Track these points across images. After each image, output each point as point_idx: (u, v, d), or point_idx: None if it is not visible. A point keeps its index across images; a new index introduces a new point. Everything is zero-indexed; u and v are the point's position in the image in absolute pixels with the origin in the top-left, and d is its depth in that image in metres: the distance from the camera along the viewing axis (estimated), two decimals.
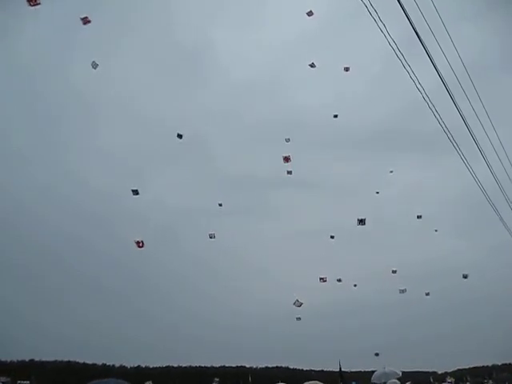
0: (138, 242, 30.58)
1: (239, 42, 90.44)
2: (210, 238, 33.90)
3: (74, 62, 65.45)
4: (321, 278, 35.11)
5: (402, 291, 35.22)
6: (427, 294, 37.86)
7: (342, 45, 69.76)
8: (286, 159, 31.56)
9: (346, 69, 31.95)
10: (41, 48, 71.38)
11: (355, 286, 40.08)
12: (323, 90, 70.47)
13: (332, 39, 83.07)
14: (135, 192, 31.75)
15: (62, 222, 63.82)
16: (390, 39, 9.61)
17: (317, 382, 29.69)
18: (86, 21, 24.41)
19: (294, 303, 32.35)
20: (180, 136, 32.16)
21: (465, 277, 35.39)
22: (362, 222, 31.44)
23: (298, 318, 33.12)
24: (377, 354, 37.91)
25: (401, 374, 27.73)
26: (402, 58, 10.15)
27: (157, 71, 71.47)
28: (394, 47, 9.92)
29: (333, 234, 36.98)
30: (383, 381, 26.16)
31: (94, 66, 26.36)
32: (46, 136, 71.42)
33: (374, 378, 27.53)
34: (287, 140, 33.24)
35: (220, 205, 36.84)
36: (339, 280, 36.74)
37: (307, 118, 74.36)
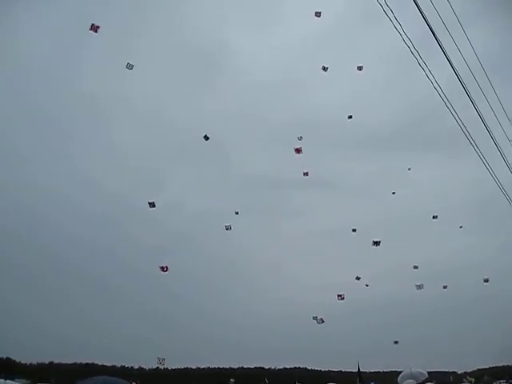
0: (162, 268, 30.89)
1: (255, 43, 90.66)
2: (226, 229, 34.15)
3: (88, 65, 66.15)
4: (357, 278, 35.35)
5: (419, 287, 34.94)
6: (445, 287, 37.66)
7: (356, 44, 69.73)
8: (298, 150, 31.58)
9: (359, 68, 32.00)
10: (51, 51, 71.45)
11: (367, 285, 40.03)
12: (338, 90, 70.51)
13: (346, 39, 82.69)
14: (152, 204, 31.87)
15: (77, 227, 64.18)
16: (405, 38, 9.60)
17: None
18: (94, 28, 24.60)
19: (316, 319, 32.30)
20: (207, 138, 32.38)
21: (486, 281, 35.18)
22: (377, 243, 31.58)
23: (321, 320, 32.92)
24: (396, 342, 37.75)
25: (427, 374, 27.85)
26: (417, 56, 10.13)
27: (172, 72, 71.52)
28: (410, 45, 9.90)
29: (354, 228, 37.34)
30: (410, 382, 26.18)
31: (130, 66, 26.42)
32: (58, 140, 71.84)
33: (400, 379, 27.59)
34: (299, 138, 33.28)
35: (237, 213, 36.98)
36: (358, 278, 36.72)
37: (323, 118, 74.13)
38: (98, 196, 71.40)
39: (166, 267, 30.83)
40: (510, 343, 50.11)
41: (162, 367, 29.68)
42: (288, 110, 66.04)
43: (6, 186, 62.17)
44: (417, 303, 46.03)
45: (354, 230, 37.49)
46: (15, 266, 59.60)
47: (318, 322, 32.02)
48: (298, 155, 31.80)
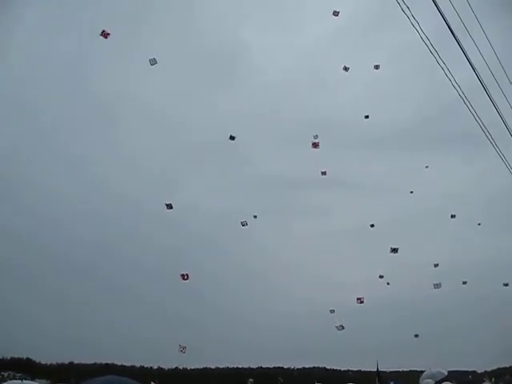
0: (183, 275, 30.99)
1: (271, 43, 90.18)
2: (242, 225, 34.32)
3: (99, 64, 66.32)
4: (380, 276, 35.36)
5: (437, 286, 34.84)
6: (464, 283, 37.54)
7: (372, 43, 69.45)
8: (315, 145, 31.55)
9: (376, 66, 31.99)
10: (59, 49, 71.54)
11: (388, 284, 40.00)
12: (355, 89, 70.00)
13: (362, 38, 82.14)
14: (169, 206, 32.08)
15: (90, 231, 64.52)
16: (423, 36, 9.58)
17: None
18: (105, 34, 24.74)
19: (336, 326, 32.31)
20: (232, 138, 32.55)
21: (505, 285, 35.00)
22: (395, 250, 31.55)
23: (341, 327, 32.90)
24: (416, 336, 37.70)
25: (446, 373, 28.56)
26: (436, 55, 10.10)
27: (187, 72, 71.60)
28: (428, 44, 9.87)
29: (372, 223, 37.37)
30: (431, 381, 26.93)
31: (153, 62, 26.32)
32: (68, 145, 72.01)
33: (421, 379, 28.53)
34: (315, 137, 33.20)
35: (255, 216, 37.20)
36: (381, 276, 36.73)
37: (339, 117, 73.78)
38: (109, 197, 71.66)
39: (187, 275, 30.92)
40: None
41: (183, 352, 29.84)
42: (303, 110, 65.76)
43: (10, 186, 62.79)
44: (436, 301, 45.71)
45: (372, 226, 37.57)
46: (33, 272, 60.44)
47: (339, 329, 32.05)
48: (315, 150, 31.82)
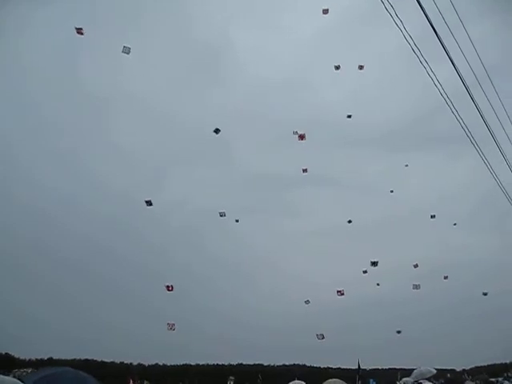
0: (167, 287, 31.28)
1: (259, 40, 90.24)
2: (221, 216, 34.69)
3: (89, 62, 65.90)
4: (364, 271, 35.44)
5: (416, 287, 35.20)
6: (445, 278, 37.93)
7: (360, 42, 69.66)
8: (301, 137, 31.49)
9: (361, 67, 32.10)
10: (49, 48, 71.05)
11: (378, 284, 40.36)
12: (342, 89, 70.47)
13: (350, 37, 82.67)
14: (148, 203, 32.05)
15: (79, 225, 64.20)
16: (406, 35, 9.59)
17: (337, 380, 30.10)
18: (79, 32, 24.55)
19: (317, 336, 32.58)
20: (217, 131, 32.38)
21: (485, 294, 35.45)
22: (374, 264, 31.86)
23: (321, 336, 33.20)
24: (399, 332, 38.10)
25: (435, 371, 29.62)
26: (418, 53, 10.12)
27: (177, 69, 71.39)
28: (411, 43, 9.89)
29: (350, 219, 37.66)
30: (420, 379, 27.82)
31: (126, 50, 25.78)
32: (60, 138, 71.44)
33: (412, 377, 29.50)
34: (295, 133, 33.13)
35: (237, 221, 37.89)
36: (365, 272, 36.95)
37: (326, 116, 73.91)
38: (100, 194, 71.28)
39: (172, 286, 31.34)
40: (508, 341, 50.24)
41: (173, 330, 30.09)
42: (289, 108, 65.90)
43: (7, 185, 62.23)
44: (416, 301, 46.19)
45: (349, 222, 37.81)
46: (15, 262, 59.67)
47: (319, 338, 32.36)
48: (301, 144, 31.82)
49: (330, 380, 35.10)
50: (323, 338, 32.41)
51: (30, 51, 65.19)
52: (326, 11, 28.04)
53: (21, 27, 56.73)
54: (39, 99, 67.58)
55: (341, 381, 35.28)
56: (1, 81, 62.36)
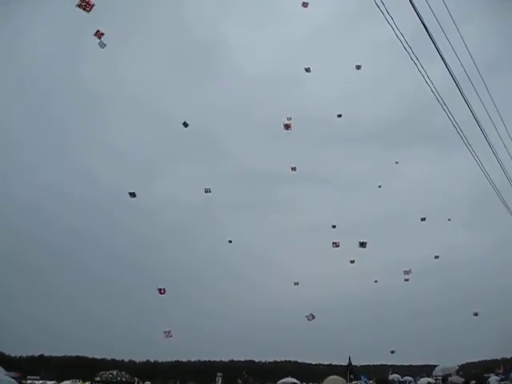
0: (160, 290, 31.30)
1: (251, 38, 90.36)
2: (206, 192, 35.20)
3: (84, 60, 65.70)
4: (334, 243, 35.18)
5: (407, 272, 35.38)
6: (436, 257, 37.88)
7: (351, 40, 69.67)
8: (287, 126, 31.43)
9: (358, 67, 31.99)
10: (48, 45, 70.92)
11: (376, 281, 40.39)
12: (333, 86, 70.48)
13: (341, 35, 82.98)
14: (132, 194, 32.15)
15: (71, 219, 64.03)
16: (397, 31, 9.51)
17: (337, 376, 30.26)
18: (99, 34, 24.45)
19: (307, 317, 32.46)
20: (186, 124, 32.40)
21: (475, 314, 35.60)
22: (363, 245, 31.77)
23: (311, 316, 33.10)
24: (392, 352, 38.23)
25: (457, 367, 32.50)
26: (409, 50, 10.04)
27: (169, 67, 71.39)
28: (402, 39, 9.81)
29: (334, 224, 37.54)
30: (444, 373, 31.67)
31: (102, 45, 25.76)
32: (54, 133, 71.32)
33: (435, 372, 34.43)
34: (289, 118, 33.18)
35: (230, 241, 38.19)
36: (352, 261, 36.84)
37: (317, 113, 74.03)
38: (93, 187, 71.30)
39: (164, 289, 31.34)
40: (497, 337, 50.55)
41: (170, 337, 30.47)
42: (280, 106, 65.86)
43: (12, 185, 62.15)
44: (407, 298, 46.41)
45: (333, 227, 37.68)
46: (6, 257, 59.38)
47: (309, 319, 32.19)
48: (287, 131, 31.65)
49: (330, 377, 35.29)
50: (313, 317, 32.31)
51: (30, 50, 65.33)
52: (305, 5, 27.65)
53: (22, 27, 56.64)
54: (36, 91, 67.74)
55: (342, 378, 35.44)
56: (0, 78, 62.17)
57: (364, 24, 58.18)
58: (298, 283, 37.33)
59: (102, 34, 24.41)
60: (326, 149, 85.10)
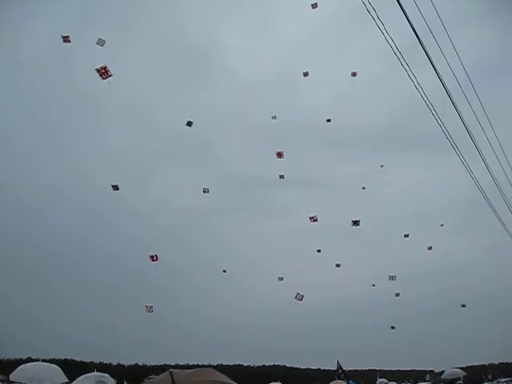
0: (152, 257, 31.35)
1: (246, 42, 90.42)
2: (204, 192, 35.84)
3: (78, 63, 65.40)
4: (311, 217, 35.15)
5: (392, 278, 35.68)
6: (430, 248, 38.01)
7: (345, 46, 69.96)
8: (279, 155, 31.80)
9: (354, 74, 32.32)
10: (43, 49, 70.57)
11: (373, 285, 40.57)
12: (326, 92, 70.77)
13: (336, 41, 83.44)
14: (115, 187, 32.27)
15: (66, 222, 63.72)
16: (388, 37, 9.60)
17: (339, 381, 30.26)
18: (66, 39, 24.46)
19: (296, 297, 32.59)
20: (190, 124, 32.45)
21: (463, 306, 36.02)
22: (356, 223, 31.88)
23: (300, 296, 33.13)
24: (393, 328, 38.60)
25: (465, 373, 34.00)
26: (400, 56, 10.14)
27: (163, 70, 71.22)
28: (393, 46, 9.89)
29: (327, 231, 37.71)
30: (452, 377, 33.02)
31: (101, 43, 25.82)
32: (50, 135, 70.83)
33: (444, 376, 34.07)
34: (273, 117, 33.47)
35: (224, 271, 40.95)
36: (338, 265, 37.01)
37: (310, 118, 74.18)
38: (88, 190, 70.99)
39: (156, 256, 31.16)
40: (486, 343, 50.83)
41: (151, 312, 30.38)
42: (275, 110, 65.96)
43: (9, 187, 61.65)
44: (396, 304, 46.46)
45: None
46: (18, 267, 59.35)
47: (298, 299, 32.41)
48: (280, 159, 32.05)
49: (334, 382, 35.29)
50: (302, 298, 32.40)
51: (25, 51, 64.92)
52: (315, 5, 27.99)
53: (19, 28, 56.61)
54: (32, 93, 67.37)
55: (344, 382, 35.45)
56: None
57: (359, 31, 58.40)
58: (282, 278, 37.57)
59: (69, 41, 24.56)
60: (320, 154, 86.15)
